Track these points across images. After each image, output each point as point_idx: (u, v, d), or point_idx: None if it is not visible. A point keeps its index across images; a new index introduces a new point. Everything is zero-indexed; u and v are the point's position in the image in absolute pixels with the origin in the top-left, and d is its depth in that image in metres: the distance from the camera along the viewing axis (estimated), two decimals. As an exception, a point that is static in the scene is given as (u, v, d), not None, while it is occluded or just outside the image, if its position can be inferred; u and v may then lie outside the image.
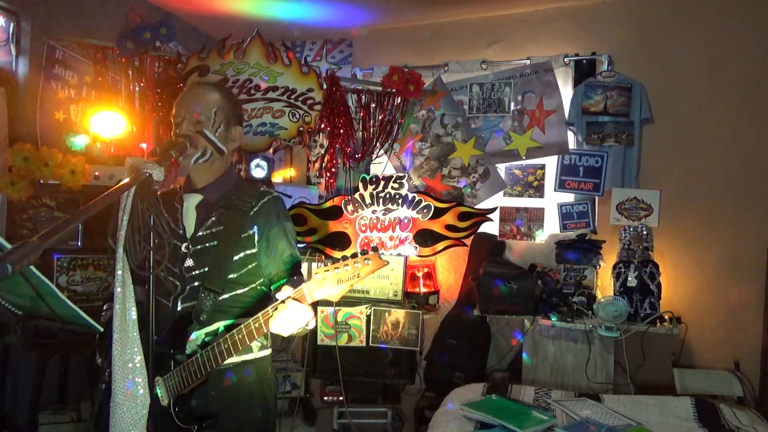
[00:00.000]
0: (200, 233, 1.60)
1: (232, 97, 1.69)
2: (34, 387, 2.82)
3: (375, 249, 1.41)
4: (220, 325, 1.57)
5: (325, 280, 1.40)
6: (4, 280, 0.90)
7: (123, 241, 1.23)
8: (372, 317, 3.22)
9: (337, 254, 3.46)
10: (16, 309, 1.59)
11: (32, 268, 1.33)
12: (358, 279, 1.40)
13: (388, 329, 3.22)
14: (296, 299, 1.40)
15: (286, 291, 1.42)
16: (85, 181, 2.84)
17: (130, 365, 1.24)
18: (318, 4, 3.71)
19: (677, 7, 3.46)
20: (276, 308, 1.41)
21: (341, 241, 3.47)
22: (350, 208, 3.47)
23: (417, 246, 3.42)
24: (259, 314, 1.45)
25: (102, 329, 1.56)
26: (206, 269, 1.56)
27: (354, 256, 1.41)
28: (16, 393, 2.97)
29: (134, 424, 1.23)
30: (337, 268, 1.40)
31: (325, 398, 3.37)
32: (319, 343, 3.24)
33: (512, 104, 3.73)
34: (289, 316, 1.39)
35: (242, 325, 1.46)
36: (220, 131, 1.59)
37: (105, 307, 1.66)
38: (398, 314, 3.22)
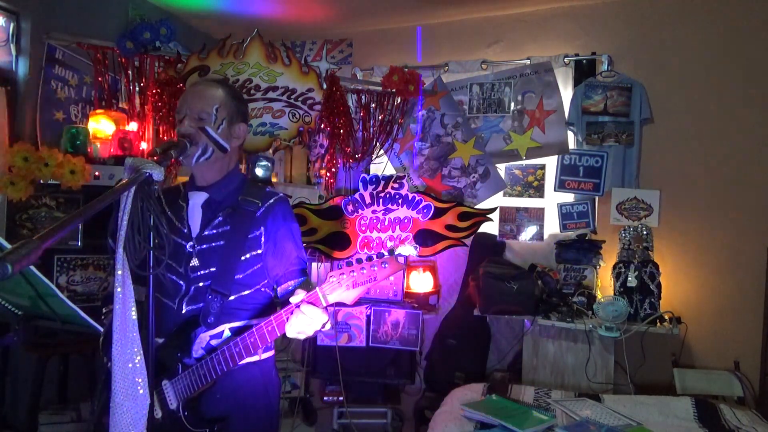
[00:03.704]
0: (206, 233, 1.58)
1: (236, 93, 1.66)
2: (34, 387, 2.82)
3: (391, 252, 1.40)
4: (225, 327, 1.56)
5: (340, 284, 1.38)
6: (4, 280, 0.89)
7: (123, 241, 1.23)
8: (372, 317, 3.22)
9: (338, 254, 3.46)
10: (16, 309, 1.59)
11: (32, 268, 1.33)
12: (374, 282, 1.39)
13: (388, 329, 3.22)
14: (311, 303, 1.39)
15: (300, 295, 1.41)
16: (85, 181, 2.84)
17: (130, 365, 1.23)
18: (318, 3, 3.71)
19: (677, 7, 3.46)
20: (292, 312, 1.40)
21: (341, 241, 3.47)
22: (350, 208, 3.47)
23: (417, 246, 3.40)
24: (272, 317, 1.44)
25: (102, 329, 1.55)
26: (213, 269, 1.55)
27: (370, 259, 1.39)
28: (16, 393, 2.97)
29: (134, 424, 1.23)
30: (353, 271, 1.38)
31: (325, 398, 3.37)
32: (319, 343, 3.24)
33: (512, 104, 3.73)
34: (305, 321, 1.38)
35: (254, 329, 1.45)
36: (222, 128, 1.56)
37: (104, 310, 1.65)
38: (398, 314, 3.22)
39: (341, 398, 3.26)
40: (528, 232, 3.72)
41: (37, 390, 2.82)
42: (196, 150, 1.51)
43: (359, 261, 1.39)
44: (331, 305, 1.42)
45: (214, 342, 1.55)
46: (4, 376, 2.95)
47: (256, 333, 1.44)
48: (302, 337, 1.42)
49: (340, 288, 1.38)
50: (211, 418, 1.51)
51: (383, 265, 1.37)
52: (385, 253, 1.39)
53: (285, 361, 3.42)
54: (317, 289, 1.40)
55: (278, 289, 1.65)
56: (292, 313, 1.40)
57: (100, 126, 3.07)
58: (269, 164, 3.13)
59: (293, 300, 1.41)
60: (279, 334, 1.44)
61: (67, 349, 2.93)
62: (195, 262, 1.56)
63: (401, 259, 1.43)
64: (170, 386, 1.50)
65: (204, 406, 1.51)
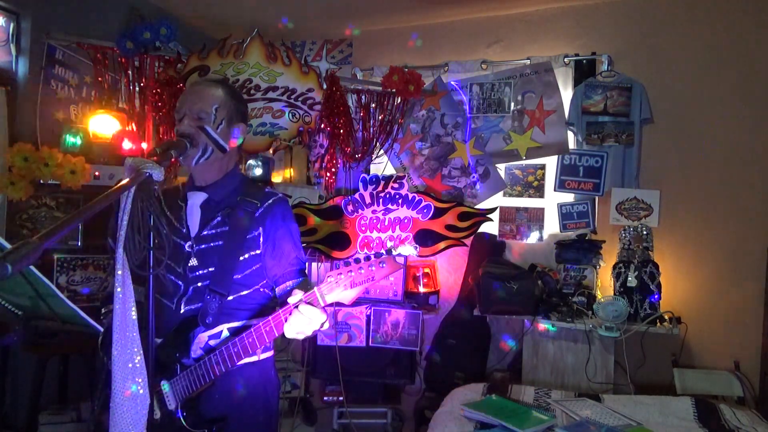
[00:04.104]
0: (205, 232, 1.58)
1: (235, 93, 1.66)
2: (33, 387, 2.82)
3: (389, 251, 1.40)
4: (224, 327, 1.56)
5: (338, 284, 1.38)
6: (4, 280, 0.89)
7: (123, 241, 1.23)
8: (372, 317, 3.22)
9: (338, 254, 3.46)
10: (16, 309, 1.59)
11: (32, 268, 1.33)
12: (372, 282, 1.39)
13: (388, 329, 3.22)
14: (309, 303, 1.39)
15: (298, 295, 1.41)
16: (85, 181, 2.85)
17: (130, 365, 1.23)
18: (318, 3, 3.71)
19: (677, 7, 3.45)
20: (290, 313, 1.40)
21: (341, 241, 3.47)
22: (350, 208, 3.48)
23: (417, 246, 3.42)
24: (270, 318, 1.43)
25: (102, 329, 1.55)
26: (212, 269, 1.55)
27: (368, 259, 1.39)
28: (16, 393, 2.97)
29: (134, 424, 1.23)
30: (351, 271, 1.38)
31: (325, 398, 3.37)
32: (319, 343, 3.24)
33: (512, 104, 3.73)
34: (304, 321, 1.38)
35: (252, 329, 1.45)
36: (221, 128, 1.56)
37: (103, 310, 1.65)
38: (398, 314, 3.22)
39: (341, 398, 3.26)
40: (528, 232, 3.72)
41: (37, 390, 2.82)
42: (195, 151, 1.51)
43: (357, 261, 1.39)
44: (330, 305, 1.42)
45: (212, 342, 1.55)
46: (4, 376, 2.95)
47: (255, 333, 1.44)
48: (301, 337, 1.42)
49: (338, 288, 1.38)
50: (209, 418, 1.51)
51: (381, 265, 1.37)
52: (384, 253, 1.39)
53: (285, 361, 3.42)
54: (315, 289, 1.40)
55: (277, 289, 1.65)
56: (290, 314, 1.40)
57: (100, 126, 3.08)
58: (260, 163, 3.12)
59: (291, 300, 1.41)
60: (277, 335, 1.44)
61: (67, 349, 2.94)
62: (194, 261, 1.56)
63: (399, 259, 1.43)
64: (169, 387, 1.50)
65: (203, 407, 1.51)
